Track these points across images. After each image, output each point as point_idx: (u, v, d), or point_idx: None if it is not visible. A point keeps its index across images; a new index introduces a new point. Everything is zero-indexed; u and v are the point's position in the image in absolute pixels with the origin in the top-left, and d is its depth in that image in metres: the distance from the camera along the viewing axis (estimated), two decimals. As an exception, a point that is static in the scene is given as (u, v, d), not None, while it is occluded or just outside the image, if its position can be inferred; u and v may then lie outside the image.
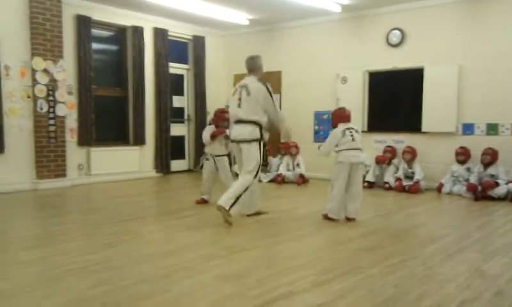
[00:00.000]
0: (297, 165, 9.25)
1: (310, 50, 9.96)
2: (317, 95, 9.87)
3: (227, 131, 6.25)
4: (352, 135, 5.56)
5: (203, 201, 6.75)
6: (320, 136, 9.83)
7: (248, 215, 5.77)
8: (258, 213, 5.88)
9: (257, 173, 5.42)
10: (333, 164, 5.60)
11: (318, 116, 9.91)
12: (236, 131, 5.49)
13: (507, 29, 7.59)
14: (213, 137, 6.55)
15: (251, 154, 5.38)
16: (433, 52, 8.31)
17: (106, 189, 8.22)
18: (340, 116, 5.77)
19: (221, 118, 6.62)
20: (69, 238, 4.78)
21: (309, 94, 10.01)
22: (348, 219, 5.59)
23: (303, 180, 9.03)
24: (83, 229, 5.30)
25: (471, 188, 7.34)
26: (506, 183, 7.24)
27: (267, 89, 5.41)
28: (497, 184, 7.23)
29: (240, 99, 5.45)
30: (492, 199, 7.14)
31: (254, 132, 5.38)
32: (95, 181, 8.87)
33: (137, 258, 4.03)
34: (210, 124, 6.99)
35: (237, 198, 5.25)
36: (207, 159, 6.77)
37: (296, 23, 10.05)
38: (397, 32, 8.71)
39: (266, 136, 5.56)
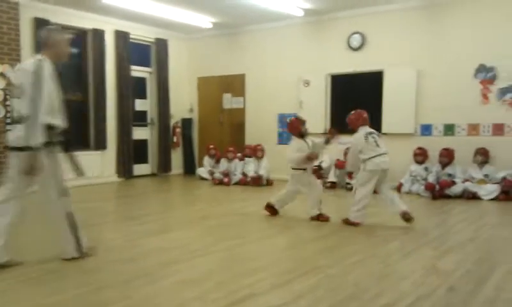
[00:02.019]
0: (262, 168, 9.27)
1: (273, 53, 10.03)
2: (281, 98, 9.96)
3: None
4: (375, 141, 5.48)
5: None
6: (284, 138, 9.92)
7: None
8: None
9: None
10: (361, 171, 5.48)
11: (282, 118, 9.99)
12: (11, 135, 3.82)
13: (463, 34, 7.87)
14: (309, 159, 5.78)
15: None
16: (392, 55, 8.52)
17: (66, 195, 8.02)
18: (360, 117, 5.64)
19: (299, 122, 5.95)
20: (26, 247, 4.65)
21: (273, 97, 10.09)
22: (405, 214, 5.39)
23: (267, 182, 9.08)
24: (41, 236, 5.16)
25: (429, 187, 7.55)
26: (462, 182, 7.50)
27: (37, 70, 3.63)
28: (454, 183, 7.48)
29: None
30: (449, 197, 7.38)
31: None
32: (55, 187, 8.64)
33: (97, 265, 3.95)
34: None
35: None
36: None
37: (259, 27, 10.11)
38: (358, 36, 8.89)
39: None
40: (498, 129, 7.66)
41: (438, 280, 3.50)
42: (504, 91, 7.58)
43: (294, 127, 5.93)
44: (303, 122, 5.90)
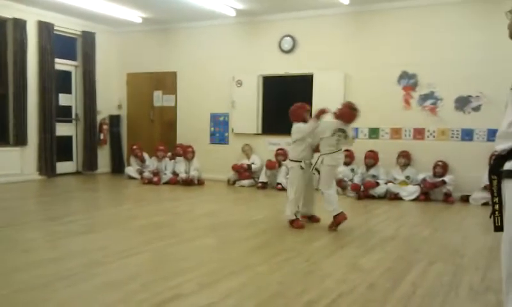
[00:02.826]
0: (193, 169, 9.14)
1: (206, 52, 9.96)
2: (213, 97, 9.91)
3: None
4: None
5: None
6: (216, 138, 9.90)
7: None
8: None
9: None
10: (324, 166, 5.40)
11: (214, 117, 9.96)
12: None
13: (388, 41, 8.24)
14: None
15: None
16: (321, 59, 8.76)
17: (-19, 194, 7.51)
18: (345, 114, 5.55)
19: (305, 109, 5.75)
20: None
21: (205, 96, 10.02)
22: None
23: (198, 182, 9.02)
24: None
25: (354, 188, 7.84)
26: (385, 183, 7.85)
27: None
28: (377, 184, 7.81)
29: None
30: (373, 197, 7.71)
31: None
32: (-32, 185, 8.06)
33: (15, 267, 3.74)
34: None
35: None
36: (302, 168, 5.54)
37: (192, 25, 10.00)
38: (289, 39, 9.05)
39: None
40: (419, 133, 8.10)
41: (359, 277, 3.63)
42: (424, 98, 8.03)
43: (296, 115, 5.71)
44: (307, 110, 5.74)
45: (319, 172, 5.52)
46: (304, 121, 5.60)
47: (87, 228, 5.25)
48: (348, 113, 5.50)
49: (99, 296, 3.16)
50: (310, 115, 5.78)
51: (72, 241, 4.64)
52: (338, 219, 5.26)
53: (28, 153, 9.15)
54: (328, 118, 5.56)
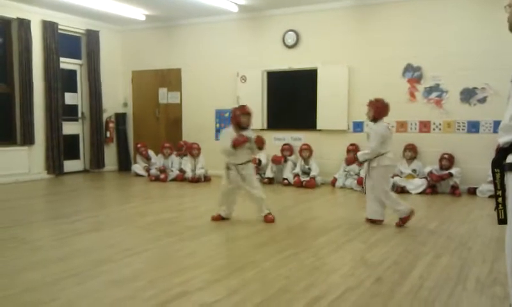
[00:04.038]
0: (199, 167, 9.14)
1: (209, 48, 9.96)
2: (218, 93, 9.91)
3: (251, 133, 5.44)
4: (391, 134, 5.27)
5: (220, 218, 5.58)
6: (221, 134, 9.90)
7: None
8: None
9: None
10: (377, 168, 5.17)
11: (219, 114, 9.96)
12: None
13: (392, 33, 8.20)
14: (235, 145, 5.30)
15: None
16: (325, 53, 8.73)
17: (-11, 194, 7.57)
18: (385, 107, 5.34)
19: (243, 111, 5.42)
20: None
21: (210, 92, 10.02)
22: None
23: (205, 179, 9.04)
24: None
25: (360, 182, 7.81)
26: (392, 177, 7.81)
27: None
28: (384, 177, 7.78)
29: None
30: (379, 191, 7.68)
31: None
32: (-23, 185, 8.13)
33: (23, 266, 3.77)
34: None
35: None
36: (229, 168, 5.51)
37: (195, 21, 10.00)
38: (292, 33, 9.03)
39: None
40: (425, 126, 8.07)
41: (366, 272, 3.63)
42: (429, 90, 7.99)
43: (232, 117, 5.52)
44: (246, 113, 5.40)
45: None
46: (239, 124, 5.40)
47: (94, 226, 5.28)
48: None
49: (107, 293, 3.19)
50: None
51: (80, 239, 4.68)
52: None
53: (35, 152, 9.21)
54: None
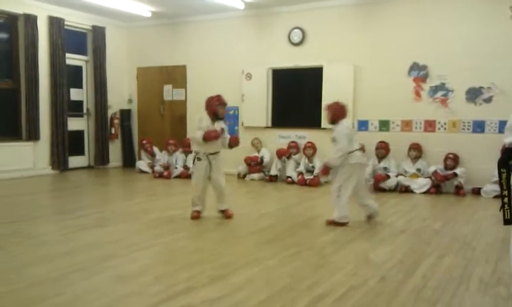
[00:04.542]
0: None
1: (215, 45, 9.97)
2: (223, 91, 9.66)
3: (223, 125, 5.47)
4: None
5: (199, 215, 5.51)
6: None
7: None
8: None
9: None
10: (343, 166, 5.14)
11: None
12: None
13: (398, 32, 8.18)
14: (206, 139, 5.24)
15: None
16: (331, 51, 8.72)
17: (-5, 188, 7.62)
18: (341, 109, 5.35)
19: (219, 102, 5.43)
20: None
21: (215, 89, 9.80)
22: (370, 217, 5.40)
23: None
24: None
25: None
26: (396, 176, 7.83)
27: None
28: (388, 177, 7.78)
29: None
30: (384, 190, 7.68)
31: None
32: (-17, 179, 8.18)
33: (28, 261, 3.80)
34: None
35: None
36: (199, 159, 5.40)
37: (201, 18, 10.00)
38: (298, 31, 9.02)
39: None
40: (430, 125, 8.05)
41: (370, 271, 3.64)
42: (434, 90, 7.97)
43: (208, 105, 5.46)
44: (223, 104, 5.46)
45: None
46: (215, 114, 5.43)
47: (99, 222, 5.31)
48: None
49: (113, 288, 3.21)
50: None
51: (85, 235, 4.70)
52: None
53: (41, 148, 9.25)
54: None
